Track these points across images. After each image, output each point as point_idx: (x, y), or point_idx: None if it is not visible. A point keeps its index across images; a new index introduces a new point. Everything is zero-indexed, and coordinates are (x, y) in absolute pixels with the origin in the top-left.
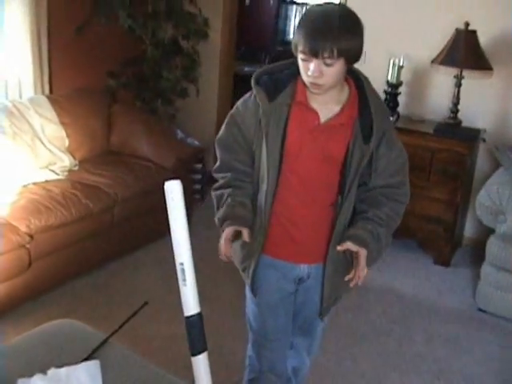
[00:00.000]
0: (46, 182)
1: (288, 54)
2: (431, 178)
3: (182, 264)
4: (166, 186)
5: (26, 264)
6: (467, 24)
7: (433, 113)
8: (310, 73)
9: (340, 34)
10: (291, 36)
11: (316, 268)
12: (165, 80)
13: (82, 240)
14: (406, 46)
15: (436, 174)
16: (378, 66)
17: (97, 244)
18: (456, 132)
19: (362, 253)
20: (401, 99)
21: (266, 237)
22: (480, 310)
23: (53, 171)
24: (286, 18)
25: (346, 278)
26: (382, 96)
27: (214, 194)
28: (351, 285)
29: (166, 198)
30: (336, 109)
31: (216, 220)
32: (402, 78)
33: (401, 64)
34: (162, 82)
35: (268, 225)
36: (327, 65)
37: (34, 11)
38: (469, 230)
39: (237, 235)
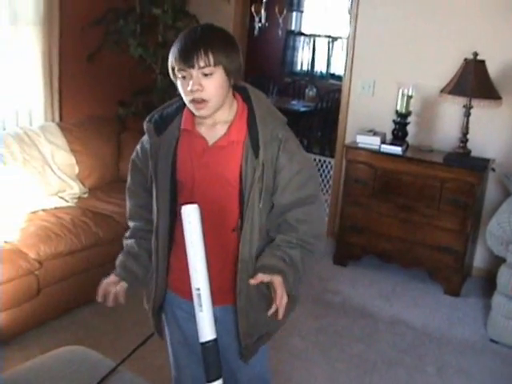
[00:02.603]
0: (56, 209)
1: (297, 84)
2: (441, 207)
3: (198, 289)
4: (183, 210)
5: (35, 291)
6: (476, 54)
7: (442, 142)
8: (189, 88)
9: (214, 41)
10: (299, 67)
11: (222, 310)
12: None
13: (91, 268)
14: (415, 75)
15: (445, 204)
16: (387, 95)
17: (106, 272)
18: (465, 161)
19: (277, 280)
20: (410, 129)
21: (167, 275)
22: (492, 340)
23: (62, 198)
24: (294, 49)
25: (269, 313)
26: (391, 126)
27: (123, 242)
28: (279, 317)
29: (183, 222)
30: (224, 129)
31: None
32: (411, 108)
33: (410, 94)
34: None
35: (168, 263)
36: (206, 75)
37: (46, 39)
38: (479, 260)
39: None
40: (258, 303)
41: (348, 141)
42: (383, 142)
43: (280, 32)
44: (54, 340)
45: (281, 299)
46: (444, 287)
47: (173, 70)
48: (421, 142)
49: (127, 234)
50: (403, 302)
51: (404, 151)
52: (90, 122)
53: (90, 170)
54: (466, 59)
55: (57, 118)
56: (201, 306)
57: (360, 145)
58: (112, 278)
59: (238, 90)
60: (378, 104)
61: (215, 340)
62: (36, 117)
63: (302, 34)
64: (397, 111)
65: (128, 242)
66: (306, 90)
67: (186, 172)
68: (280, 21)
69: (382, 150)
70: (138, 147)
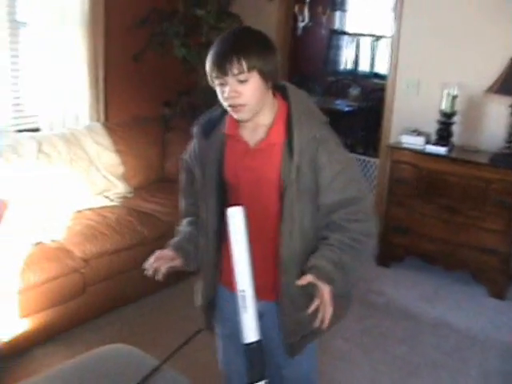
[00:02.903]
0: (101, 208)
1: (340, 84)
2: (486, 208)
3: (243, 291)
4: (228, 212)
5: (81, 289)
6: None
7: (488, 143)
8: (225, 95)
9: (246, 46)
10: (342, 66)
11: (266, 305)
12: None
13: (136, 267)
14: (460, 75)
15: (491, 205)
16: (431, 95)
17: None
18: None
19: (326, 290)
20: (455, 129)
21: (218, 271)
22: None
23: (107, 198)
24: (338, 48)
25: (310, 311)
26: (436, 126)
27: (177, 229)
28: (316, 325)
29: (228, 223)
30: (265, 132)
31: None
32: (456, 108)
33: (455, 93)
34: None
35: (219, 259)
36: (241, 81)
37: (91, 40)
38: None
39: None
40: (301, 302)
41: (392, 141)
42: (428, 142)
43: (323, 31)
44: (98, 337)
45: (326, 310)
46: (489, 290)
47: (210, 76)
48: (466, 142)
49: (182, 222)
50: (446, 304)
51: (449, 151)
52: (135, 122)
53: (135, 170)
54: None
55: (102, 119)
56: (245, 307)
57: (404, 145)
58: (170, 252)
59: (278, 89)
60: (422, 103)
61: (260, 341)
62: (82, 117)
63: (346, 33)
64: (441, 111)
65: (183, 229)
66: (350, 90)
67: (231, 174)
68: (323, 20)
69: (426, 150)
70: (189, 148)
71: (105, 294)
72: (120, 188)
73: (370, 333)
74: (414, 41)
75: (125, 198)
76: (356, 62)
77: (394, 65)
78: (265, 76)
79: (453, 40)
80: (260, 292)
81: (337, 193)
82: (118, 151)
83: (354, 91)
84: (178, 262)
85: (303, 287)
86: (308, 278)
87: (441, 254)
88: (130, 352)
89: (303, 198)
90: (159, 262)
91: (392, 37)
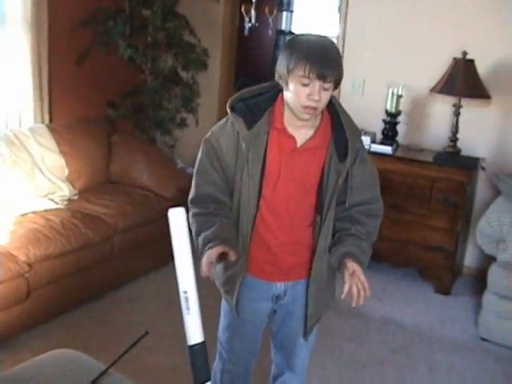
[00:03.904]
0: (46, 211)
1: None
2: (431, 206)
3: (185, 292)
4: (169, 214)
5: (25, 293)
6: (465, 53)
7: (432, 142)
8: (312, 97)
9: (338, 61)
10: None
11: (292, 285)
12: (164, 110)
13: (81, 270)
14: (405, 75)
15: (436, 203)
16: (376, 95)
17: (96, 274)
18: (455, 161)
19: (359, 269)
20: (400, 128)
21: (248, 260)
22: (482, 339)
23: (52, 200)
24: None
25: (343, 296)
26: (381, 125)
27: (196, 218)
28: (360, 301)
29: (170, 225)
30: (310, 132)
31: (200, 239)
32: (401, 108)
33: (399, 93)
34: (161, 111)
35: (249, 248)
36: (325, 89)
37: (35, 40)
38: (469, 259)
39: (219, 257)
40: (326, 288)
41: None
42: (373, 141)
43: (270, 32)
44: (44, 343)
45: (366, 286)
46: (435, 286)
47: (289, 71)
48: (411, 142)
49: (199, 211)
50: (394, 301)
51: (394, 151)
52: (80, 123)
53: (79, 172)
54: (455, 58)
55: (46, 120)
56: (188, 308)
57: None
58: (216, 250)
59: None
60: (367, 103)
61: (203, 343)
62: (25, 118)
63: (292, 33)
64: (387, 111)
65: (212, 219)
66: None
67: (272, 167)
68: (270, 21)
69: (372, 149)
70: (216, 130)
71: (50, 298)
72: (65, 190)
73: (318, 331)
74: (359, 41)
75: (70, 200)
76: None
77: None
78: (336, 87)
79: (398, 41)
80: (292, 275)
81: (363, 193)
82: (63, 153)
83: None
84: (230, 256)
85: (329, 274)
86: (354, 267)
87: (387, 251)
88: (77, 357)
89: (337, 196)
90: (212, 265)
91: (337, 37)
